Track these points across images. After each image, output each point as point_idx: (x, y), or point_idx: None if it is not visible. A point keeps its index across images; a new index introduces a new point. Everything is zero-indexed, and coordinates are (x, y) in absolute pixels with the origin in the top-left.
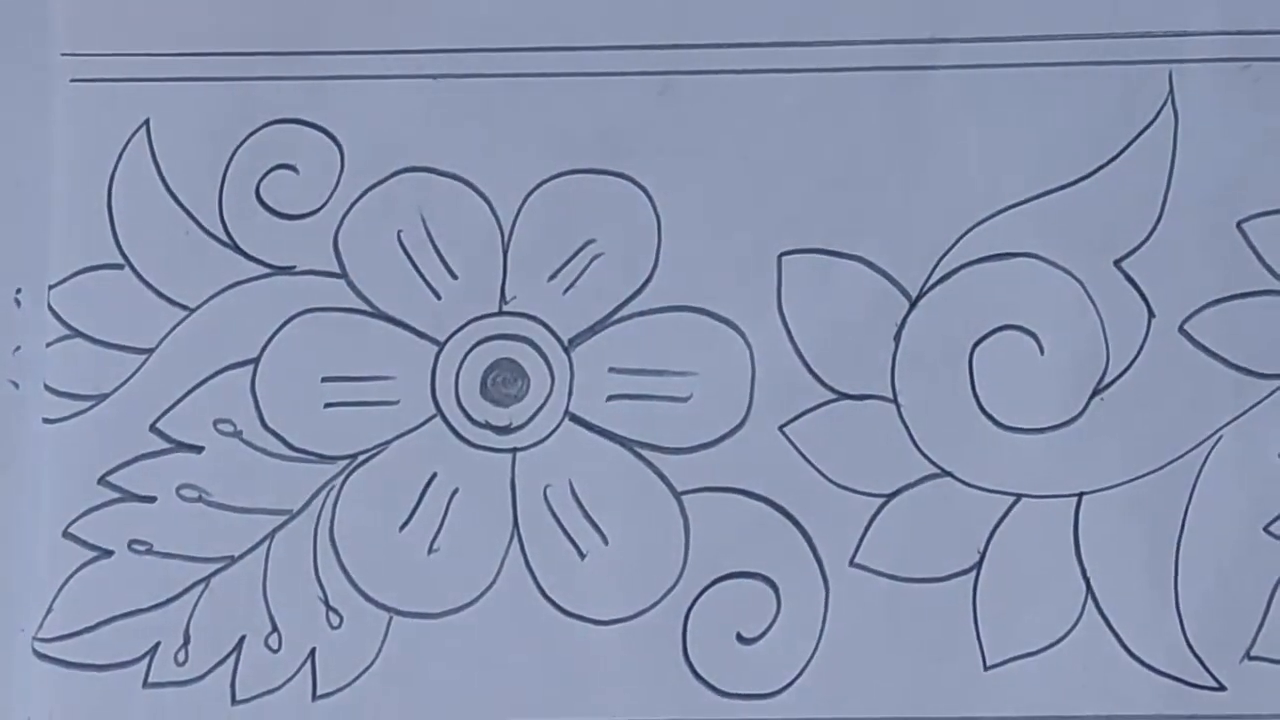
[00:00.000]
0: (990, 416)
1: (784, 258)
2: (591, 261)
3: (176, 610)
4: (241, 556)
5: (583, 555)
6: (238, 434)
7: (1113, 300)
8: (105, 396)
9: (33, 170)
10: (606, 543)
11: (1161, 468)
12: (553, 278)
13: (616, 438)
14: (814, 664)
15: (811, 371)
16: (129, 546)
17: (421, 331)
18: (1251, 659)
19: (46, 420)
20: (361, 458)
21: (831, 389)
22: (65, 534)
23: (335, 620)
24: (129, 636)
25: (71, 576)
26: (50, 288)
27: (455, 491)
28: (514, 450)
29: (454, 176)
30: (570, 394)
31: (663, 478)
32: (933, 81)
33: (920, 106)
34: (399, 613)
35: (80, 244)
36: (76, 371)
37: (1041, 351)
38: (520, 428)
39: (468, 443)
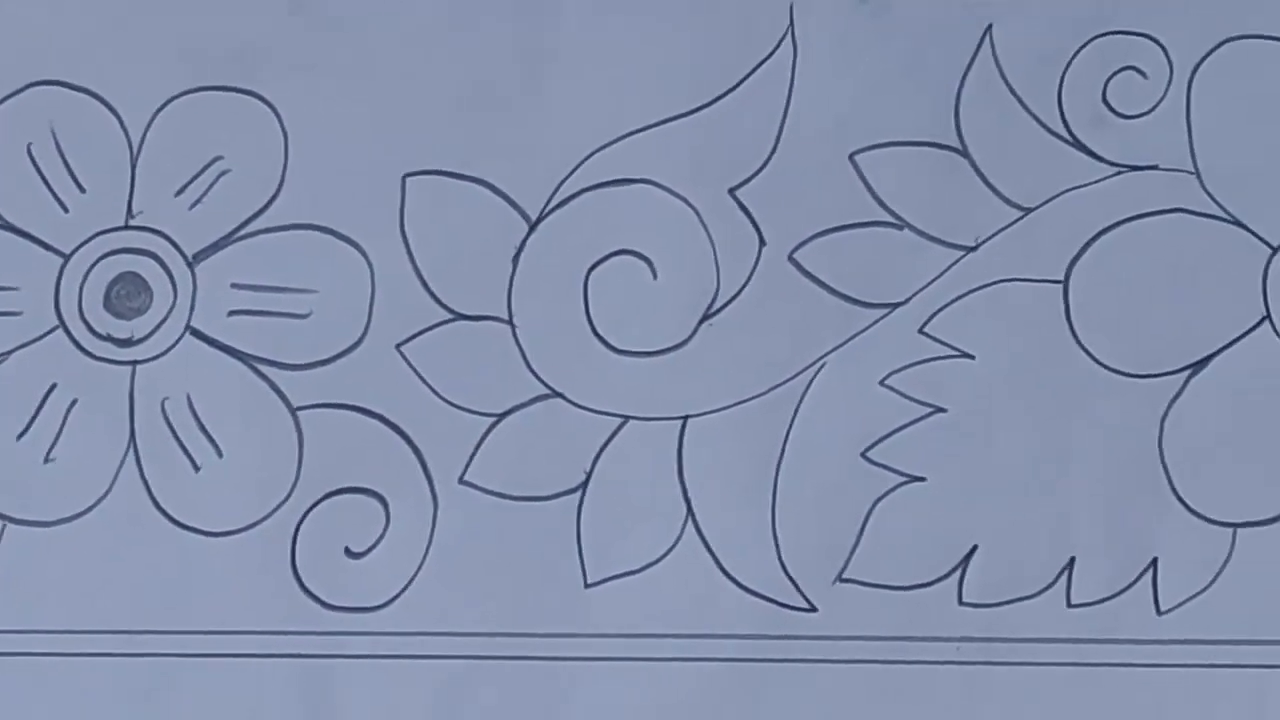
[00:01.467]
0: (603, 339)
1: (408, 179)
2: (219, 178)
3: None
4: None
5: (197, 468)
6: None
7: (726, 228)
8: None
9: None
10: (221, 456)
11: (766, 393)
12: (180, 193)
13: (236, 353)
14: (419, 579)
15: (430, 292)
16: None
17: (47, 244)
18: (843, 581)
19: None
20: None
21: (449, 309)
22: None
23: None
24: None
25: None
26: None
27: (74, 402)
28: (134, 363)
29: (85, 91)
30: (192, 309)
31: (280, 393)
32: (558, 8)
33: (546, 33)
34: (13, 520)
35: None
36: None
37: (655, 276)
38: (141, 341)
39: (89, 354)
